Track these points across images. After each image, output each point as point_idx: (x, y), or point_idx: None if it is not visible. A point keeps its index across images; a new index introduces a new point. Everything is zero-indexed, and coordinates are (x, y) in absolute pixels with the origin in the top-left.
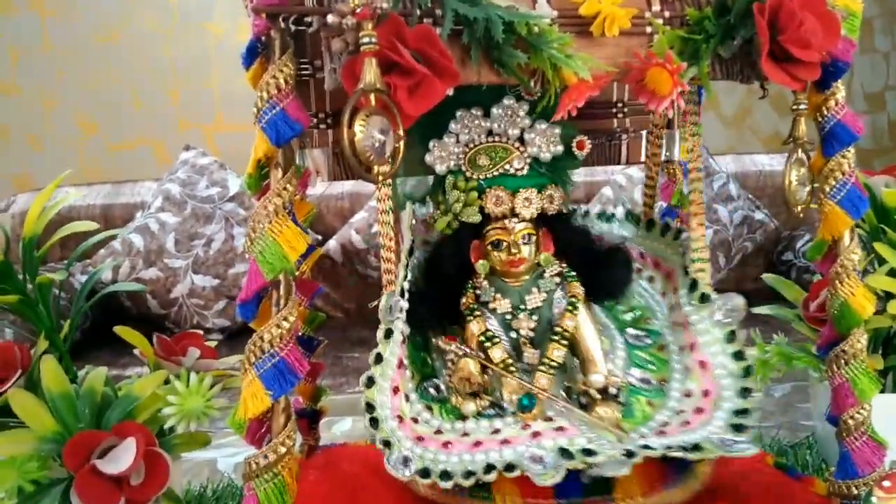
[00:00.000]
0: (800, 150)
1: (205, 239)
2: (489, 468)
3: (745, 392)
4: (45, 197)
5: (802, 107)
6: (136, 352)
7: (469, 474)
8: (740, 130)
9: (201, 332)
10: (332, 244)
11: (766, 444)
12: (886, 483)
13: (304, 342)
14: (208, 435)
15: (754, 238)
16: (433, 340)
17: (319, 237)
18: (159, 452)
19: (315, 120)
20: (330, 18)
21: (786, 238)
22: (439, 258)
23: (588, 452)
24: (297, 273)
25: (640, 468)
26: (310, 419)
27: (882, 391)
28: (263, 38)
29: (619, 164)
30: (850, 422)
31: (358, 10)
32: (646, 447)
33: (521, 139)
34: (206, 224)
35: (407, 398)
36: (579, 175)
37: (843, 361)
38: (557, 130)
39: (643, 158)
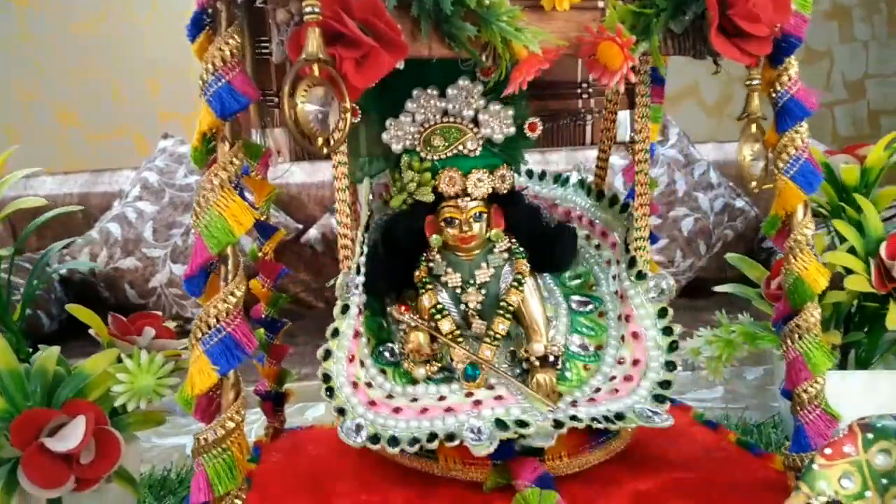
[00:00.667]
0: (753, 126)
1: (183, 228)
2: (432, 437)
3: (669, 365)
4: None
5: (756, 82)
6: (90, 331)
7: (414, 441)
8: (721, 118)
9: (180, 321)
10: (313, 233)
11: (733, 424)
12: (828, 451)
13: (268, 324)
14: (162, 414)
15: (734, 225)
16: (388, 308)
17: (301, 225)
18: (110, 431)
19: (276, 99)
20: None
21: None
22: (396, 231)
23: (521, 424)
24: (259, 254)
25: (567, 433)
26: (274, 402)
27: (843, 367)
28: (209, 9)
29: (584, 144)
30: (804, 395)
31: None
32: (574, 418)
33: (475, 120)
34: (185, 213)
35: (362, 364)
36: (558, 164)
37: (796, 336)
38: (511, 112)
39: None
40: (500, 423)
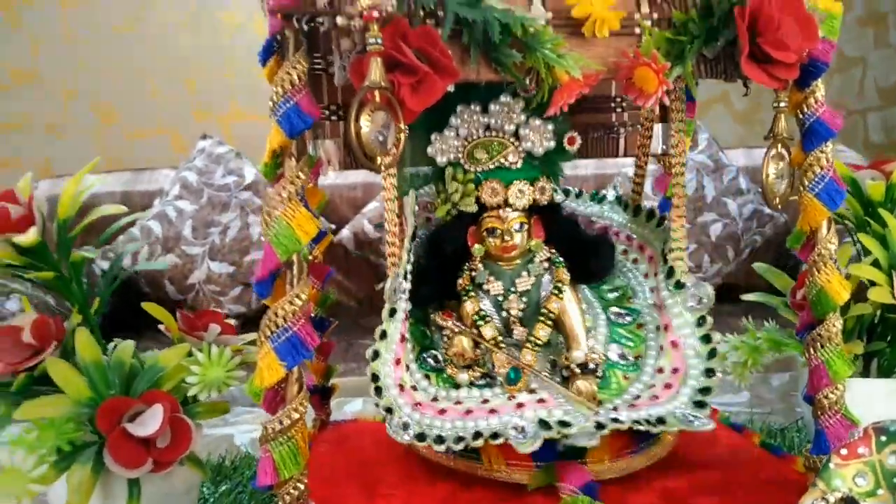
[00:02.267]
0: (779, 146)
1: (221, 227)
2: (477, 435)
3: (708, 372)
4: (78, 180)
5: (783, 104)
6: (161, 327)
7: (459, 440)
8: (751, 125)
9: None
10: (345, 233)
11: (758, 428)
12: (844, 451)
13: (317, 323)
14: (227, 403)
15: (763, 232)
16: (431, 315)
17: (333, 226)
18: (184, 419)
19: (327, 112)
20: (339, 20)
21: None
22: (440, 241)
23: (564, 424)
24: (309, 257)
25: (610, 437)
26: (321, 395)
27: (865, 376)
28: (279, 36)
29: (617, 156)
30: (825, 401)
31: (365, 13)
32: (615, 420)
33: (516, 134)
34: (223, 212)
35: (407, 368)
36: (590, 168)
37: (819, 344)
38: (551, 127)
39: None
40: (543, 423)
